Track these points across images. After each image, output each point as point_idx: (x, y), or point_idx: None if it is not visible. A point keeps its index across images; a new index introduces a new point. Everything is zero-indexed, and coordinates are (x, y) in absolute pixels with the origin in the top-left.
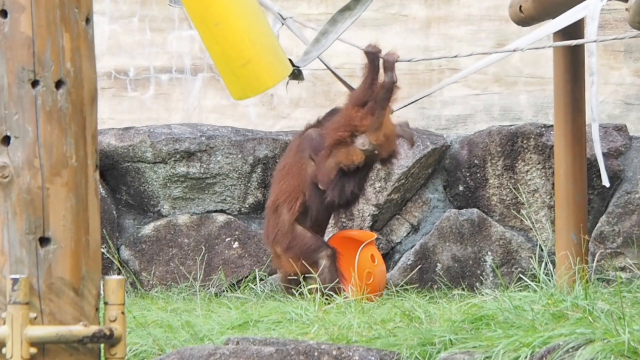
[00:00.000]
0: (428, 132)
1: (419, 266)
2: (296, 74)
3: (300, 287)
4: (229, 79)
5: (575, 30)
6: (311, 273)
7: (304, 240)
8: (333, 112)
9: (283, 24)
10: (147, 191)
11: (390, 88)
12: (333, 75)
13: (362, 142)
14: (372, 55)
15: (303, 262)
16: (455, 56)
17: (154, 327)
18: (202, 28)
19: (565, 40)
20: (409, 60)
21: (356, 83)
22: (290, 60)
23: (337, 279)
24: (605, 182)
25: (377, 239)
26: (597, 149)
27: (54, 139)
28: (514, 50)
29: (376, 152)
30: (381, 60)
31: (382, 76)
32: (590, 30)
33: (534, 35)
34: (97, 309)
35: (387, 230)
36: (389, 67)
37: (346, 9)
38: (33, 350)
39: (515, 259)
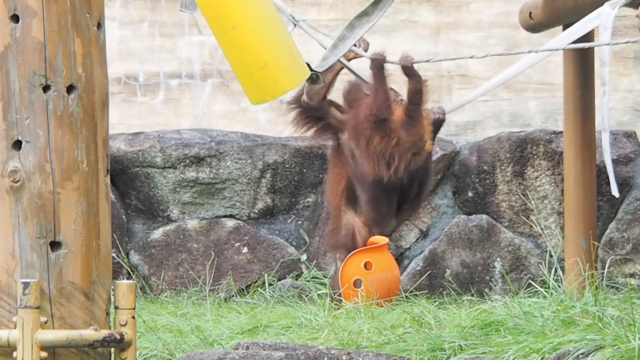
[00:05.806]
0: (437, 138)
1: (428, 272)
2: (314, 79)
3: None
4: (246, 83)
5: (585, 38)
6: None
7: (334, 233)
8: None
9: (295, 26)
10: (156, 196)
11: (420, 89)
12: (343, 82)
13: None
14: (379, 62)
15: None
16: (472, 56)
17: (164, 331)
18: (219, 32)
19: (576, 48)
20: (427, 61)
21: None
22: (308, 64)
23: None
24: (615, 192)
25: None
26: (608, 159)
27: (65, 143)
28: (529, 52)
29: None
30: (397, 67)
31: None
32: (603, 40)
33: (546, 47)
34: (107, 313)
35: (396, 236)
36: (410, 71)
37: (364, 14)
38: (44, 354)
39: (524, 265)
